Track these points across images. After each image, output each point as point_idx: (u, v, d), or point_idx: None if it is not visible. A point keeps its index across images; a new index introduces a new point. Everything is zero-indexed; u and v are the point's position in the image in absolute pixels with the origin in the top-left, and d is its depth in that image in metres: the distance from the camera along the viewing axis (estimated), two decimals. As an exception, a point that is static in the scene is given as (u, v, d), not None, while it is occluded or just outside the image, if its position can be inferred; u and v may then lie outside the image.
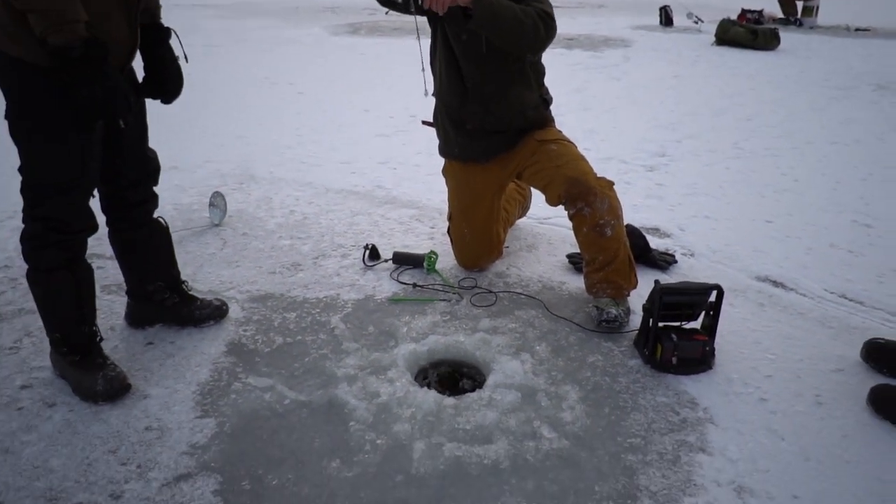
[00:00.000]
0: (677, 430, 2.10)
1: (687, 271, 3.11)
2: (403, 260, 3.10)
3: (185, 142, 4.91)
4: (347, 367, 2.36)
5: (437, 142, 3.06)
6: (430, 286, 2.93)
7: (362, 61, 8.76)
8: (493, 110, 2.74)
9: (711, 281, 2.93)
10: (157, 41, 2.20)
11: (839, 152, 5.00)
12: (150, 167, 2.38)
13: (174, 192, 4.00)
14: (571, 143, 2.85)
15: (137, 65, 2.21)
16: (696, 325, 2.47)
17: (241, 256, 3.22)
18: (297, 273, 3.06)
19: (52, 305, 2.20)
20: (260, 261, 3.18)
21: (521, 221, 3.55)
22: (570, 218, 2.68)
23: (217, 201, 3.56)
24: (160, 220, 2.53)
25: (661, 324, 2.39)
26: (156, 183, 2.44)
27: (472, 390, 2.28)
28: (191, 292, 2.66)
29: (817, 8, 12.88)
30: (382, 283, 2.97)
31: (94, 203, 2.24)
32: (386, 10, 2.55)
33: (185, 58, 2.33)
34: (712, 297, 2.39)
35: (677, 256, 3.23)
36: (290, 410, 2.16)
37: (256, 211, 3.77)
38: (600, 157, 4.73)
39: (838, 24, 12.76)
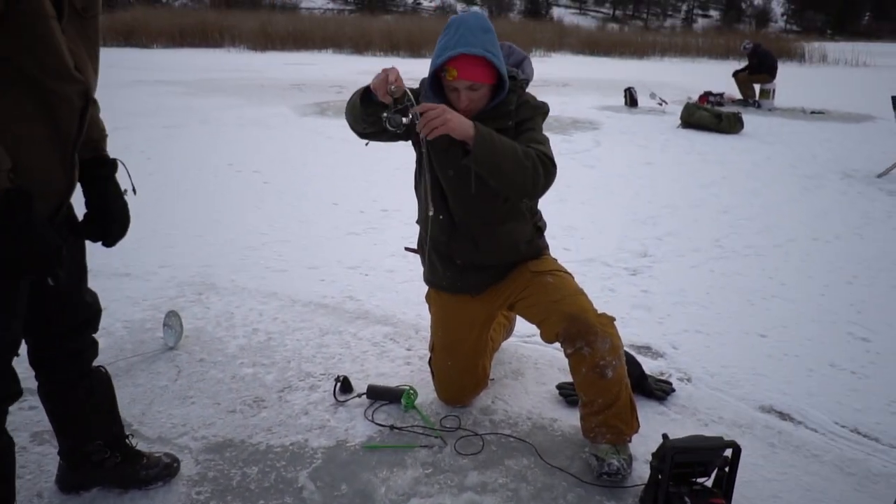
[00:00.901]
0: None
1: (686, 401, 2.88)
2: (379, 395, 2.81)
3: (138, 242, 4.58)
4: (316, 546, 2.03)
5: (410, 246, 2.83)
6: (409, 428, 2.64)
7: (329, 145, 8.60)
8: (483, 247, 2.54)
9: (715, 413, 2.70)
10: (99, 178, 1.95)
11: (821, 250, 4.91)
12: (88, 313, 2.08)
13: (125, 304, 3.68)
14: (568, 273, 2.64)
15: (78, 199, 1.95)
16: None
17: (196, 390, 2.89)
18: (261, 412, 2.74)
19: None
20: (218, 395, 2.85)
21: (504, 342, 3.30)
22: (568, 356, 2.44)
23: (172, 321, 3.25)
24: (101, 369, 2.21)
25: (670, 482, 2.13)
26: (95, 330, 2.13)
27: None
28: (136, 447, 2.31)
29: (774, 91, 13.31)
30: (356, 424, 2.66)
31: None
32: (366, 142, 2.34)
33: (133, 190, 2.08)
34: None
35: (674, 382, 3.00)
36: None
37: (216, 330, 3.45)
38: (581, 258, 4.56)
39: (794, 107, 13.21)
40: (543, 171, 2.25)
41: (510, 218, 2.52)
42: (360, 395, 2.83)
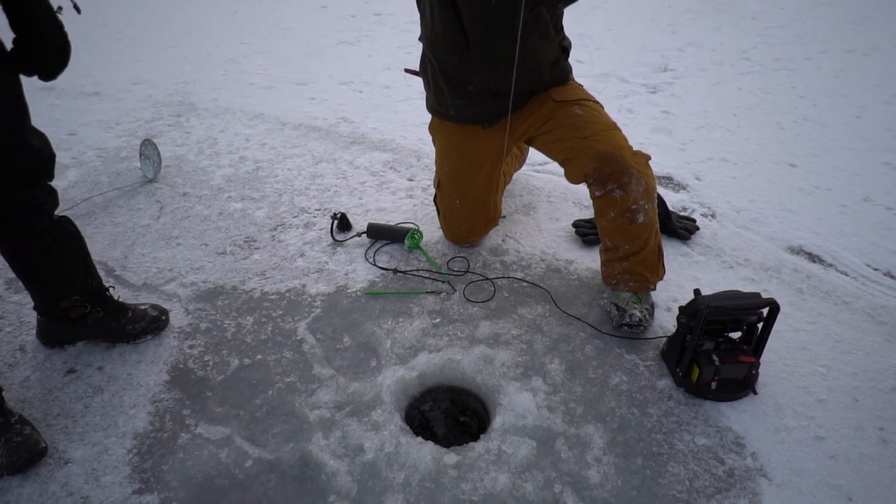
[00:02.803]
0: (725, 488, 1.74)
1: (710, 241, 2.68)
2: (381, 234, 2.59)
3: (107, 56, 4.12)
4: (321, 405, 1.92)
5: (411, 68, 2.45)
6: (414, 271, 2.45)
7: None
8: (501, 72, 2.12)
9: (741, 254, 2.53)
10: None
11: (857, 64, 4.47)
12: (38, 160, 1.77)
13: (96, 129, 3.33)
14: (597, 103, 2.28)
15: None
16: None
17: (181, 229, 2.66)
18: (253, 253, 2.54)
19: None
20: (206, 234, 2.63)
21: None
22: (595, 199, 2.17)
23: (148, 151, 2.94)
24: (65, 219, 1.94)
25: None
26: (49, 177, 1.84)
27: (476, 435, 1.87)
28: (119, 299, 2.13)
29: None
30: (356, 268, 2.47)
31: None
32: None
33: (76, 7, 1.68)
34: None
35: (697, 219, 2.79)
36: (253, 476, 1.73)
37: (199, 158, 3.14)
38: (596, 72, 4.14)
39: None
40: None
41: (533, 34, 2.10)
42: (359, 235, 2.61)
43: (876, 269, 2.56)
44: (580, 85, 2.35)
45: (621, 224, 2.14)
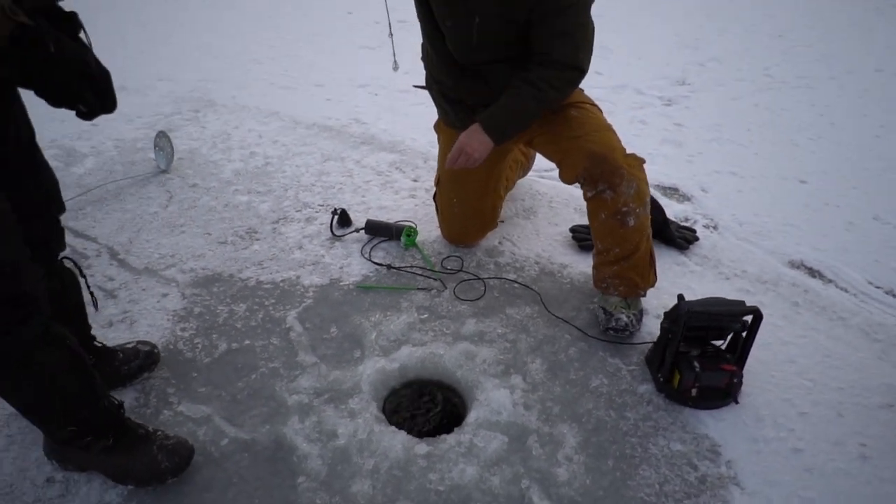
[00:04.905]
0: (695, 494, 1.73)
1: (709, 251, 2.66)
2: (378, 230, 2.63)
3: (138, 53, 4.26)
4: (301, 390, 1.96)
5: (419, 84, 2.53)
6: (407, 268, 2.48)
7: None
8: (493, 84, 2.18)
9: (738, 266, 2.52)
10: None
11: (884, 86, 4.40)
12: (48, 182, 1.61)
13: (117, 121, 3.45)
14: (595, 106, 2.31)
15: None
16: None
17: (187, 218, 2.73)
18: (253, 244, 2.60)
19: (52, 395, 1.55)
20: (210, 224, 2.70)
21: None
22: (587, 199, 2.19)
23: (162, 143, 3.03)
24: (67, 262, 1.77)
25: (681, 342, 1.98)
26: (60, 208, 1.65)
27: (450, 429, 1.88)
28: (104, 346, 1.97)
29: None
30: (352, 262, 2.51)
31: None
32: None
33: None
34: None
35: (698, 230, 2.77)
36: (227, 454, 1.78)
37: (211, 152, 3.23)
38: (613, 84, 4.15)
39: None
40: (560, 91, 2.10)
41: (521, 54, 2.15)
42: (358, 230, 2.65)
43: (878, 287, 2.52)
44: (581, 90, 2.37)
45: (612, 226, 2.15)
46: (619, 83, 4.18)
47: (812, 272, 2.59)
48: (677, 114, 3.86)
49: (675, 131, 3.66)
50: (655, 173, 3.21)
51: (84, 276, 1.80)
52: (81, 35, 1.45)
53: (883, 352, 2.21)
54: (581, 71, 2.08)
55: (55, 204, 1.63)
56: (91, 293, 1.85)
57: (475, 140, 2.13)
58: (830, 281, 2.55)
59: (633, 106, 3.89)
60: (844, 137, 3.67)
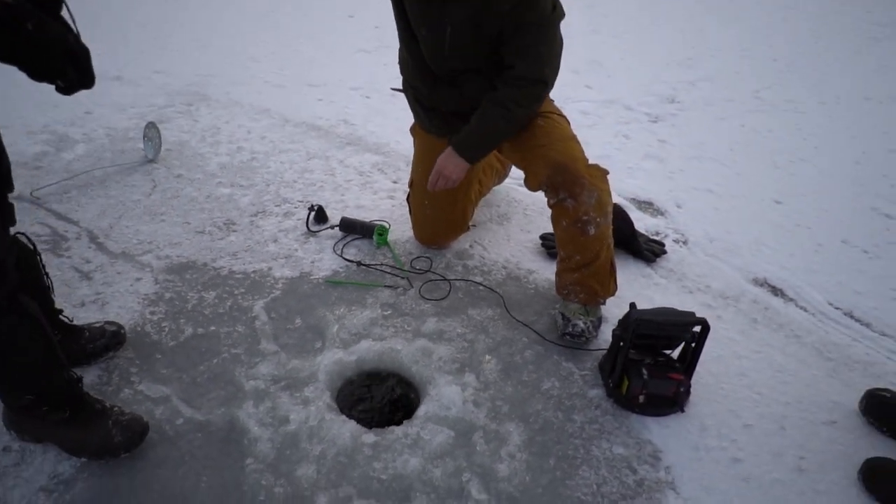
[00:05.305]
0: (631, 496, 1.78)
1: (676, 265, 2.71)
2: (352, 227, 2.70)
3: (136, 46, 4.35)
4: (259, 377, 2.02)
5: (397, 87, 2.60)
6: (377, 266, 2.54)
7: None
8: (467, 93, 2.26)
9: (703, 281, 2.57)
10: None
11: (870, 112, 4.46)
12: (3, 166, 1.60)
13: (110, 110, 3.53)
14: (562, 116, 2.37)
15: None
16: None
17: (168, 207, 2.80)
18: (229, 235, 2.67)
19: (12, 361, 1.61)
20: (190, 214, 2.77)
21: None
22: (550, 207, 2.25)
23: (151, 133, 3.11)
24: (21, 237, 1.77)
25: (631, 349, 2.03)
26: (10, 188, 1.62)
27: (399, 421, 1.94)
28: (72, 321, 2.03)
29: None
30: (323, 258, 2.57)
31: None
32: None
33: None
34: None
35: (668, 244, 2.83)
36: (182, 433, 1.83)
37: (199, 145, 3.31)
38: (601, 98, 4.21)
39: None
40: (525, 108, 2.19)
41: (493, 66, 2.22)
42: (333, 227, 2.72)
43: (837, 308, 2.57)
44: (550, 100, 2.43)
45: (573, 234, 2.21)
46: (608, 98, 4.25)
47: (775, 290, 2.64)
48: (663, 130, 3.92)
49: (659, 147, 3.72)
50: (633, 187, 3.27)
51: (39, 255, 1.85)
52: (64, 14, 1.53)
53: (834, 370, 2.25)
54: (545, 84, 2.15)
55: (6, 183, 1.61)
56: (45, 273, 1.89)
57: (451, 163, 2.26)
58: (791, 300, 2.59)
59: (619, 121, 3.95)
60: (825, 162, 3.72)
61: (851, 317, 2.53)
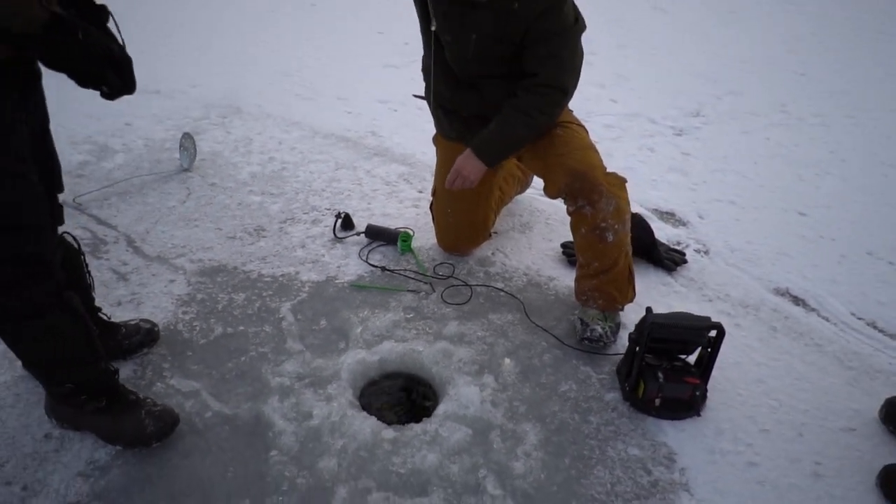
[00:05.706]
0: (644, 496, 1.81)
1: (696, 274, 2.74)
2: (377, 234, 2.77)
3: (175, 60, 4.53)
4: (285, 374, 2.09)
5: (418, 93, 2.68)
6: (401, 271, 2.61)
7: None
8: (488, 98, 2.33)
9: (723, 290, 2.58)
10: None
11: (898, 126, 4.42)
12: (55, 169, 1.75)
13: (149, 122, 3.68)
14: (581, 126, 2.43)
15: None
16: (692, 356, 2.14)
17: (202, 213, 2.91)
18: (259, 240, 2.76)
19: (57, 352, 1.73)
20: (222, 220, 2.88)
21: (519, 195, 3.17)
22: (570, 214, 2.30)
23: (187, 143, 3.24)
24: (67, 237, 1.90)
25: (647, 354, 2.07)
26: (60, 189, 1.79)
27: (419, 419, 1.99)
28: (110, 319, 2.13)
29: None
30: (349, 263, 2.65)
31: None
32: None
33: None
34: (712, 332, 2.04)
35: (689, 253, 2.85)
36: (210, 426, 1.92)
37: (232, 155, 3.43)
38: (626, 112, 4.25)
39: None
40: (548, 114, 2.25)
41: (515, 71, 2.28)
42: (359, 234, 2.80)
43: (860, 319, 2.56)
44: (569, 110, 2.49)
45: (591, 241, 2.25)
46: (632, 111, 4.28)
47: (796, 300, 2.64)
48: (687, 144, 3.94)
49: (682, 160, 3.74)
50: (656, 198, 3.30)
51: (83, 254, 1.97)
52: (110, 25, 1.64)
53: (854, 379, 2.25)
54: (565, 92, 2.21)
55: (59, 184, 1.77)
56: (88, 272, 2.01)
57: (469, 164, 2.32)
58: (813, 310, 2.60)
59: (643, 134, 3.98)
60: (851, 174, 3.70)
61: (874, 327, 2.52)
